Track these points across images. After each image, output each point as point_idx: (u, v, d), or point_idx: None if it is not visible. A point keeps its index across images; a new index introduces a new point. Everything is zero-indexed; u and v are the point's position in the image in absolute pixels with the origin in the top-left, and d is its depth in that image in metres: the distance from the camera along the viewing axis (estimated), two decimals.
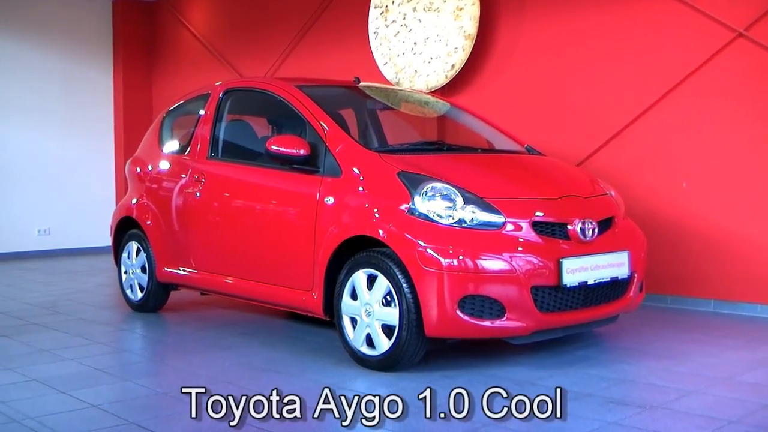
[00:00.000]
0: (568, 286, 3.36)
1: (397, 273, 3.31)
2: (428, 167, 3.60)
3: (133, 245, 5.06)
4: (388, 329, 3.39)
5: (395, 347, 3.33)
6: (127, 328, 4.61)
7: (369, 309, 3.44)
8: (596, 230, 3.55)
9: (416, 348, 3.32)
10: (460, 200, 3.37)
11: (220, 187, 4.43)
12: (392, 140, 4.88)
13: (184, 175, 4.68)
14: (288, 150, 3.81)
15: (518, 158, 4.24)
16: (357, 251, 3.55)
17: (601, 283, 3.53)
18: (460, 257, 3.20)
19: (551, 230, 3.45)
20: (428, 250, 3.23)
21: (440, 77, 6.12)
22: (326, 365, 3.55)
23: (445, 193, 3.38)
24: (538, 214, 3.45)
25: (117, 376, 3.40)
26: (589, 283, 3.46)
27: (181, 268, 4.71)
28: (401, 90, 5.46)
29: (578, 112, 5.55)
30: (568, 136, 5.58)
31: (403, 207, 3.40)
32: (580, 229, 3.47)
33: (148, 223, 4.92)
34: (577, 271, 3.40)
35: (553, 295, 3.37)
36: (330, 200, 3.69)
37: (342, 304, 3.57)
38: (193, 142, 4.74)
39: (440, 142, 4.49)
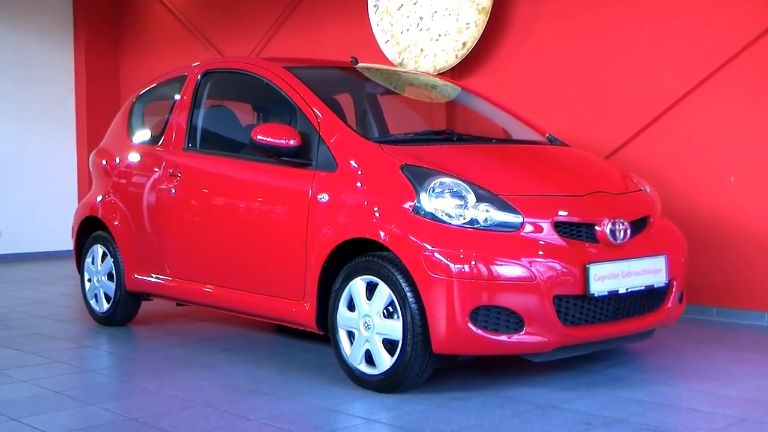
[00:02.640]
0: (596, 295, 3.39)
1: (401, 280, 3.34)
2: (436, 160, 3.63)
3: (98, 249, 5.10)
4: (390, 345, 3.42)
5: (398, 365, 3.36)
6: (91, 344, 4.65)
7: (368, 321, 3.47)
8: (628, 232, 3.57)
9: (422, 366, 3.35)
10: (472, 197, 3.40)
11: (198, 183, 4.47)
12: (395, 129, 4.91)
13: (157, 169, 4.72)
14: (276, 140, 3.84)
15: (539, 150, 4.27)
16: (355, 256, 3.58)
17: (634, 292, 3.56)
18: (473, 262, 3.23)
19: (576, 232, 3.48)
20: (436, 255, 3.26)
21: (450, 57, 6.15)
22: (320, 385, 3.58)
23: (455, 189, 3.42)
24: (561, 213, 3.48)
25: (79, 400, 3.42)
26: (620, 292, 3.48)
27: (153, 276, 4.74)
28: (405, 72, 5.49)
29: (608, 96, 5.57)
30: (596, 124, 5.61)
31: (408, 205, 3.43)
32: (610, 230, 3.50)
33: (116, 223, 4.96)
34: (607, 278, 3.43)
35: (578, 305, 3.40)
36: (324, 198, 3.73)
37: (337, 316, 3.60)
38: (167, 132, 4.78)
39: (449, 131, 4.52)
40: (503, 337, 3.27)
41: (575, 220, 3.50)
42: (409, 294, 3.31)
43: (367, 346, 3.48)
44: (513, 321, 3.27)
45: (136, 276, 4.84)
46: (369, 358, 3.49)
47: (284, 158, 3.90)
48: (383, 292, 3.41)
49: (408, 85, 5.21)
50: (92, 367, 4.13)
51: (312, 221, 3.74)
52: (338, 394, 3.45)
